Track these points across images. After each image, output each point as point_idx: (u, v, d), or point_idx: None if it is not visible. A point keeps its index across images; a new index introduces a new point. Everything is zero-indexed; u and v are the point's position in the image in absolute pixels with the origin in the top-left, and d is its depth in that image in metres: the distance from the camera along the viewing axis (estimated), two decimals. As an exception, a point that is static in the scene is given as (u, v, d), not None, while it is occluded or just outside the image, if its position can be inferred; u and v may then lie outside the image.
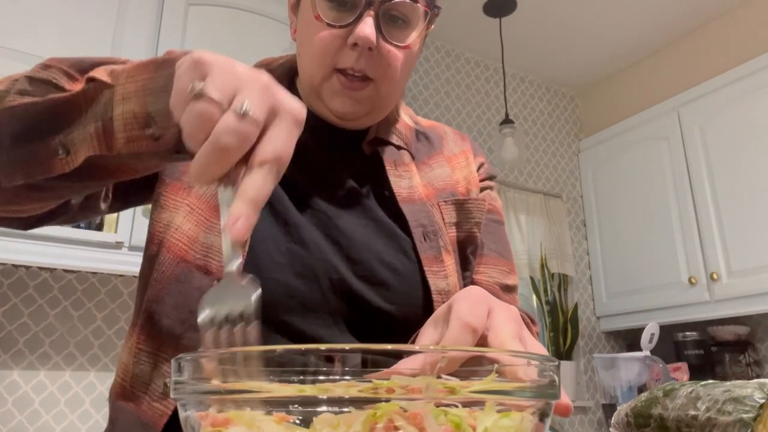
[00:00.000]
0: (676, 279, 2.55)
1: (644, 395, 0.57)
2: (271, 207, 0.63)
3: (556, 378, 0.30)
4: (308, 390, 0.26)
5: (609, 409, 1.48)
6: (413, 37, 0.65)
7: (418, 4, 0.64)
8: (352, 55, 0.61)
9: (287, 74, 0.72)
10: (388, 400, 0.25)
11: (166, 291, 0.58)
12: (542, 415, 0.30)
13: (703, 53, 2.86)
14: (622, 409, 0.59)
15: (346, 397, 0.25)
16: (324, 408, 0.25)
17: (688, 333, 2.61)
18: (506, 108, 2.70)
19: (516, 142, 2.49)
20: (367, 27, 0.60)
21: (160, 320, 0.58)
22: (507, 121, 2.51)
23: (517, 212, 2.87)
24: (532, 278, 2.85)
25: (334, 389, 0.25)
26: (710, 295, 2.42)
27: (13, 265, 1.71)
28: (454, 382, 0.27)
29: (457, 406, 0.26)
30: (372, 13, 0.61)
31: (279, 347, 0.27)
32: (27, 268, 1.73)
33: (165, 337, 0.58)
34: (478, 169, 0.79)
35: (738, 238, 2.34)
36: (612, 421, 0.60)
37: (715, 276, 2.39)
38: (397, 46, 0.63)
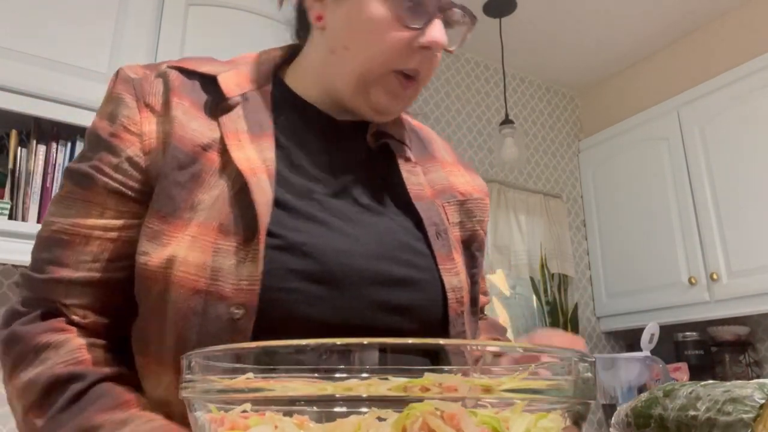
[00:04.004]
0: (676, 279, 2.55)
1: (644, 395, 0.57)
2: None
3: (593, 376, 0.28)
4: (330, 388, 0.24)
5: (609, 409, 1.47)
6: (457, 44, 0.68)
7: (467, 17, 0.66)
8: (417, 56, 0.63)
9: (274, 69, 0.71)
10: (421, 400, 0.24)
11: (188, 327, 0.55)
12: (578, 417, 0.28)
13: (703, 53, 2.86)
14: (622, 409, 0.59)
15: (376, 395, 0.24)
16: (344, 408, 0.24)
17: (688, 333, 2.61)
18: (506, 108, 2.70)
19: (516, 142, 2.49)
20: (439, 31, 0.62)
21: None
22: (507, 121, 2.51)
23: (517, 212, 2.87)
24: (532, 278, 2.85)
25: (357, 387, 0.24)
26: (710, 295, 2.42)
27: (13, 265, 1.70)
28: (488, 380, 0.25)
29: (485, 407, 0.25)
30: (440, 16, 0.63)
31: (312, 341, 0.26)
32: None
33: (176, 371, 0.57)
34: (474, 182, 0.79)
35: (738, 238, 2.34)
36: (612, 422, 0.60)
37: (715, 276, 2.39)
38: (448, 52, 0.66)
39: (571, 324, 2.80)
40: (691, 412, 0.50)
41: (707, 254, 2.44)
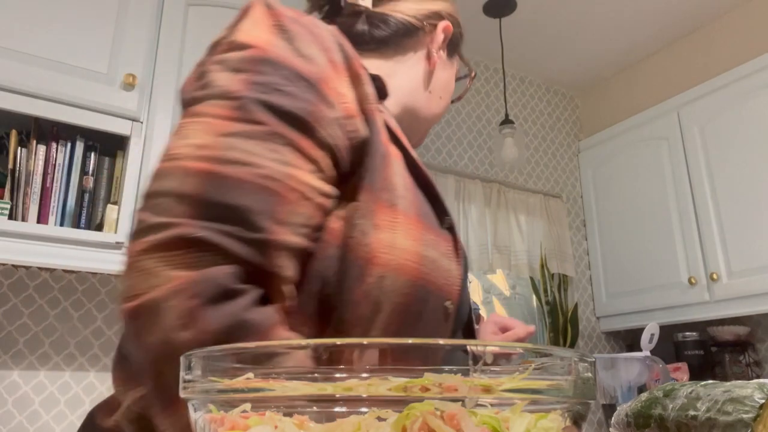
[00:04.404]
0: (676, 279, 2.54)
1: (644, 395, 0.57)
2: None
3: (593, 376, 0.28)
4: (330, 388, 0.24)
5: (609, 409, 1.47)
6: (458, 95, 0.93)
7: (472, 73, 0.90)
8: None
9: None
10: (421, 400, 0.23)
11: (409, 315, 0.54)
12: (577, 417, 0.28)
13: (703, 53, 2.86)
14: (622, 409, 0.59)
15: (376, 395, 0.24)
16: (344, 408, 0.24)
17: (688, 333, 2.61)
18: (506, 108, 2.70)
19: (516, 142, 2.49)
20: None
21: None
22: (507, 121, 2.51)
23: (517, 212, 2.87)
24: (532, 278, 2.85)
25: (357, 387, 0.24)
26: (710, 295, 2.42)
27: (13, 265, 1.70)
28: (488, 380, 0.25)
29: (485, 406, 0.25)
30: None
31: (312, 341, 0.26)
32: (27, 268, 1.73)
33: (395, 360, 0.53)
34: None
35: (738, 238, 2.34)
36: (612, 421, 0.60)
37: (715, 276, 2.38)
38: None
39: (571, 324, 2.80)
40: (691, 412, 0.50)
41: (707, 254, 2.44)
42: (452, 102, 0.83)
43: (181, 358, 0.29)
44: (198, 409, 0.28)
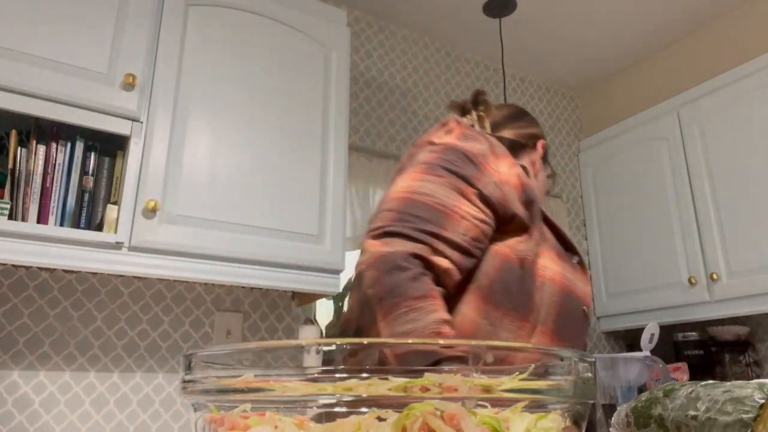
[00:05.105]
0: (676, 279, 2.54)
1: (644, 395, 0.57)
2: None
3: (593, 376, 0.28)
4: (330, 388, 0.24)
5: (609, 409, 1.47)
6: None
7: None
8: None
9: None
10: (421, 400, 0.24)
11: (563, 308, 0.92)
12: (577, 417, 0.28)
13: (703, 53, 2.86)
14: (622, 409, 0.59)
15: (376, 395, 0.24)
16: (344, 408, 0.24)
17: (688, 333, 2.61)
18: (506, 108, 2.70)
19: (516, 142, 2.49)
20: None
21: (560, 330, 0.92)
22: (507, 121, 2.51)
23: (517, 212, 2.86)
24: (532, 278, 2.85)
25: (357, 387, 0.24)
26: (710, 295, 2.42)
27: (13, 266, 1.70)
28: (488, 380, 0.26)
29: (485, 407, 0.25)
30: None
31: (313, 341, 0.26)
32: (27, 268, 1.73)
33: (562, 341, 0.91)
34: None
35: (738, 238, 2.34)
36: (612, 421, 0.60)
37: (715, 276, 2.38)
38: None
39: (571, 324, 2.80)
40: (691, 412, 0.50)
41: (707, 254, 2.44)
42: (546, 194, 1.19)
43: (182, 358, 0.29)
44: (198, 409, 0.28)
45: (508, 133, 1.11)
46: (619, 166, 2.92)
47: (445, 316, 0.79)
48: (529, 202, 0.95)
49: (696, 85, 2.68)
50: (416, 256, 0.80)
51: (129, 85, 1.61)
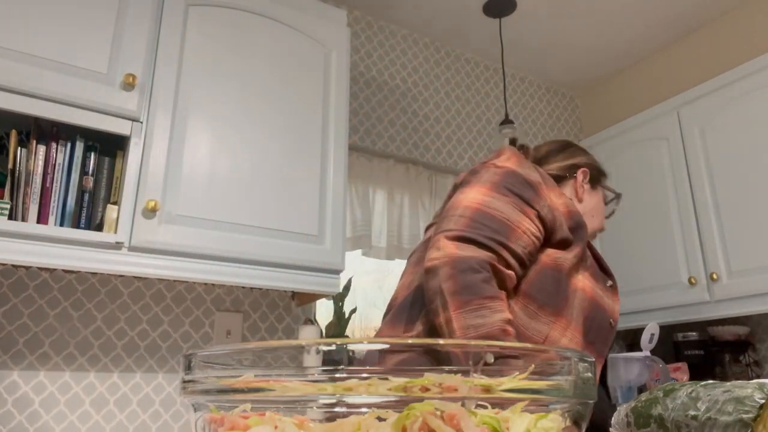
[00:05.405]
0: (676, 279, 2.54)
1: (644, 395, 0.57)
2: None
3: (593, 376, 0.28)
4: (330, 388, 0.24)
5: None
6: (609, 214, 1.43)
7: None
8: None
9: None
10: (421, 400, 0.24)
11: (591, 314, 1.07)
12: (577, 417, 0.28)
13: (703, 53, 2.86)
14: (622, 409, 0.59)
15: (376, 395, 0.24)
16: (344, 408, 0.24)
17: (688, 333, 2.61)
18: (506, 108, 2.70)
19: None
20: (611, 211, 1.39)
21: (587, 332, 1.06)
22: (507, 121, 2.51)
23: (517, 212, 2.86)
24: (532, 278, 2.85)
25: (357, 387, 0.24)
26: (710, 295, 2.42)
27: (13, 266, 1.70)
28: (488, 380, 0.26)
29: (485, 407, 0.25)
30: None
31: (312, 340, 0.26)
32: (27, 268, 1.73)
33: (588, 343, 1.05)
34: None
35: (738, 238, 2.34)
36: (612, 421, 0.60)
37: (715, 276, 2.38)
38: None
39: (571, 324, 2.80)
40: (691, 412, 0.50)
41: (707, 254, 2.44)
42: (606, 218, 1.32)
43: (182, 358, 0.29)
44: (198, 409, 0.28)
45: (549, 169, 1.28)
46: (619, 166, 2.92)
47: (509, 316, 0.94)
48: (575, 227, 1.11)
49: (696, 85, 2.68)
50: (488, 262, 0.96)
51: (129, 85, 1.61)
